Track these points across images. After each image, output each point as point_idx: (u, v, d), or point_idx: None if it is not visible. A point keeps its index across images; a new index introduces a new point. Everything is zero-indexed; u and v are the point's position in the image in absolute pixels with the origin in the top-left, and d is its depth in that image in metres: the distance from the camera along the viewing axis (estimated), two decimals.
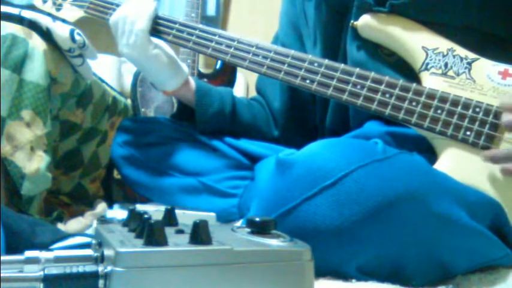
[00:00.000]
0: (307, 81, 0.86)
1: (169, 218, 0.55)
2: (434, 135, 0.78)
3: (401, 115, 0.79)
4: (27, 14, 0.99)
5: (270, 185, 0.66)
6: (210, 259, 0.45)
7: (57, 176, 1.13)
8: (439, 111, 0.77)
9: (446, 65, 0.81)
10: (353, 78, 0.83)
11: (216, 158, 1.05)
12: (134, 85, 1.69)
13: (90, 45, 1.03)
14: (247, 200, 0.99)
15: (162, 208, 0.57)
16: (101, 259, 0.50)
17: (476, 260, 0.69)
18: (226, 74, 1.79)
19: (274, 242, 0.49)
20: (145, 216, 0.48)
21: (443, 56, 0.82)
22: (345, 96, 0.83)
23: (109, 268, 0.43)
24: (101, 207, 1.11)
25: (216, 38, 0.95)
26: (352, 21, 0.88)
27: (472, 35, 0.83)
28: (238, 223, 0.95)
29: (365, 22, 0.87)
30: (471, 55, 0.81)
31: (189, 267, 0.44)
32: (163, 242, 0.45)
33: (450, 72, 0.81)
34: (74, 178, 1.20)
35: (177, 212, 0.57)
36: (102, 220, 0.63)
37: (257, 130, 1.11)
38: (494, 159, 0.72)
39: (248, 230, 0.52)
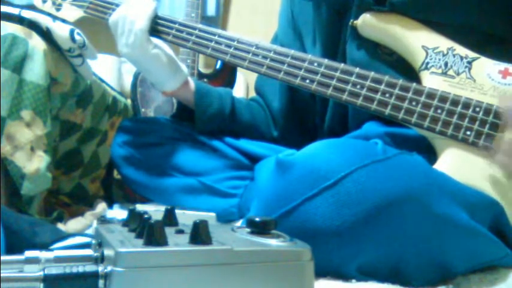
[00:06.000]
0: (307, 81, 0.86)
1: (169, 218, 0.55)
2: (434, 135, 0.78)
3: (401, 115, 0.79)
4: (27, 14, 0.99)
5: (270, 185, 0.66)
6: (210, 259, 0.45)
7: (57, 176, 1.13)
8: (439, 111, 0.77)
9: (446, 64, 0.81)
10: (353, 78, 0.83)
11: (216, 158, 1.05)
12: (134, 85, 1.69)
13: (90, 45, 1.03)
14: (247, 200, 0.99)
15: (162, 208, 0.57)
16: (101, 259, 0.50)
17: (476, 260, 0.69)
18: (226, 74, 1.79)
19: (274, 242, 0.49)
20: (145, 216, 0.48)
21: (443, 55, 0.82)
22: (344, 96, 0.83)
23: (109, 268, 0.43)
24: (101, 207, 1.11)
25: (216, 38, 0.95)
26: (351, 20, 0.88)
27: (472, 34, 0.83)
28: (238, 223, 0.95)
29: (365, 21, 0.87)
30: (471, 54, 0.81)
31: (189, 267, 0.44)
32: (163, 242, 0.45)
33: (450, 72, 0.81)
34: (74, 178, 1.20)
35: (177, 212, 0.57)
36: (102, 220, 0.63)
37: (257, 130, 1.11)
38: (504, 168, 0.72)
39: (248, 230, 0.52)
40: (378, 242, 0.61)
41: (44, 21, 0.98)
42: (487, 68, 0.79)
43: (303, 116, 1.08)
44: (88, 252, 0.52)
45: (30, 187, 0.91)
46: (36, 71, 0.94)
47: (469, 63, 0.80)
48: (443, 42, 0.83)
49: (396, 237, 0.62)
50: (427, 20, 0.84)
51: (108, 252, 0.46)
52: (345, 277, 0.62)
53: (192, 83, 1.06)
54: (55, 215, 1.01)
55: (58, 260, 0.50)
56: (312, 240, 0.51)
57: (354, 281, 0.61)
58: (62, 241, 0.65)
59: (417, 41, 0.84)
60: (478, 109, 0.76)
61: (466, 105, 0.76)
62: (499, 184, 0.72)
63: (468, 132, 0.75)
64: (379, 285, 0.61)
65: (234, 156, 1.05)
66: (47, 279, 0.44)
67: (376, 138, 0.74)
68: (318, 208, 0.60)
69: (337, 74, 0.84)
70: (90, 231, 0.95)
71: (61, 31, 0.98)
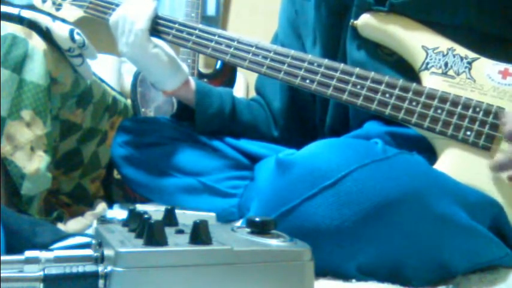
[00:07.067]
0: (307, 81, 0.86)
1: (169, 218, 0.55)
2: (434, 135, 0.78)
3: (401, 115, 0.79)
4: (27, 14, 0.99)
5: (270, 185, 0.66)
6: (210, 259, 0.45)
7: (57, 176, 1.13)
8: (439, 111, 0.77)
9: (446, 64, 0.81)
10: (353, 78, 0.83)
11: (216, 158, 1.05)
12: (134, 85, 1.69)
13: (90, 45, 1.03)
14: (247, 200, 0.99)
15: (162, 208, 0.57)
16: (101, 259, 0.50)
17: (476, 260, 0.69)
18: (226, 74, 1.79)
19: (274, 242, 0.49)
20: (145, 216, 0.48)
21: (444, 55, 0.82)
22: (344, 96, 0.83)
23: (109, 268, 0.43)
24: (101, 207, 1.11)
25: (216, 38, 0.95)
26: (352, 20, 0.88)
27: (471, 35, 0.83)
28: (238, 223, 0.95)
29: (365, 21, 0.87)
30: (471, 54, 0.81)
31: (189, 267, 0.44)
32: (163, 242, 0.45)
33: (450, 72, 0.81)
34: (74, 178, 1.20)
35: (177, 212, 0.57)
36: (102, 220, 0.63)
37: (257, 130, 1.11)
38: (501, 168, 0.72)
39: (248, 230, 0.52)
40: (378, 241, 0.61)
41: (44, 21, 0.98)
42: (487, 68, 0.79)
43: (304, 116, 1.08)
44: (88, 252, 0.52)
45: (30, 187, 0.91)
46: (36, 71, 0.94)
47: (469, 63, 0.80)
48: (443, 43, 0.83)
49: (396, 237, 0.62)
50: (427, 21, 0.84)
51: (108, 252, 0.46)
52: (345, 277, 0.62)
53: (192, 83, 1.06)
54: (55, 215, 1.01)
55: (58, 260, 0.50)
56: (312, 240, 0.52)
57: (353, 280, 0.61)
58: (62, 241, 0.65)
59: (417, 41, 0.84)
60: (478, 109, 0.76)
61: (466, 106, 0.76)
62: (499, 184, 0.72)
63: (468, 133, 0.75)
64: (379, 285, 0.61)
65: (234, 156, 1.05)
66: (47, 279, 0.44)
67: (376, 138, 0.74)
68: (318, 208, 0.60)
69: (337, 74, 0.84)
70: (90, 231, 0.95)
71: (61, 31, 0.98)
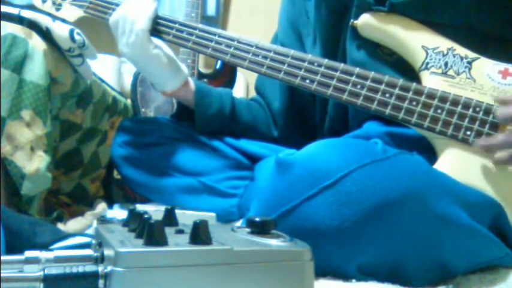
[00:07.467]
0: (307, 81, 0.86)
1: (169, 218, 0.55)
2: (434, 135, 0.78)
3: (401, 115, 0.79)
4: (27, 14, 0.99)
5: (270, 185, 0.66)
6: (210, 259, 0.45)
7: (57, 176, 1.13)
8: (439, 111, 0.77)
9: (446, 64, 0.81)
10: (353, 78, 0.83)
11: (216, 158, 1.05)
12: (134, 85, 1.69)
13: (90, 45, 1.03)
14: (247, 200, 0.99)
15: (162, 208, 0.57)
16: (101, 259, 0.50)
17: (476, 260, 0.69)
18: (226, 74, 1.79)
19: (274, 242, 0.49)
20: (145, 216, 0.48)
21: (443, 55, 0.82)
22: (344, 96, 0.83)
23: (109, 268, 0.43)
24: (101, 207, 1.11)
25: (216, 37, 0.95)
26: (352, 20, 0.88)
27: (471, 34, 0.83)
28: (238, 223, 0.95)
29: (365, 21, 0.87)
30: (471, 54, 0.81)
31: (189, 267, 0.44)
32: (163, 242, 0.45)
33: (450, 72, 0.81)
34: (74, 178, 1.20)
35: (177, 212, 0.57)
36: (102, 220, 0.63)
37: (257, 130, 1.11)
38: (490, 148, 0.72)
39: (248, 230, 0.52)
40: (377, 241, 0.61)
41: (44, 21, 0.98)
42: (487, 68, 0.79)
43: (303, 116, 1.08)
44: (88, 252, 0.52)
45: (30, 187, 0.91)
46: (36, 71, 0.94)
47: (469, 63, 0.80)
48: (443, 43, 0.83)
49: (396, 237, 0.62)
50: (427, 21, 0.84)
51: (108, 252, 0.47)
52: (345, 277, 0.62)
53: (192, 83, 1.06)
54: (55, 215, 1.01)
55: (58, 260, 0.50)
56: (312, 240, 0.52)
57: (354, 280, 0.61)
58: (62, 241, 0.65)
59: (417, 41, 0.84)
60: (478, 109, 0.76)
61: (466, 105, 0.76)
62: (499, 184, 0.72)
63: (468, 132, 0.75)
64: (379, 285, 0.61)
65: (234, 156, 1.05)
66: (47, 279, 0.44)
67: (376, 138, 0.74)
68: (318, 208, 0.60)
69: (337, 74, 0.84)
70: (90, 231, 0.95)
71: (61, 31, 0.98)
